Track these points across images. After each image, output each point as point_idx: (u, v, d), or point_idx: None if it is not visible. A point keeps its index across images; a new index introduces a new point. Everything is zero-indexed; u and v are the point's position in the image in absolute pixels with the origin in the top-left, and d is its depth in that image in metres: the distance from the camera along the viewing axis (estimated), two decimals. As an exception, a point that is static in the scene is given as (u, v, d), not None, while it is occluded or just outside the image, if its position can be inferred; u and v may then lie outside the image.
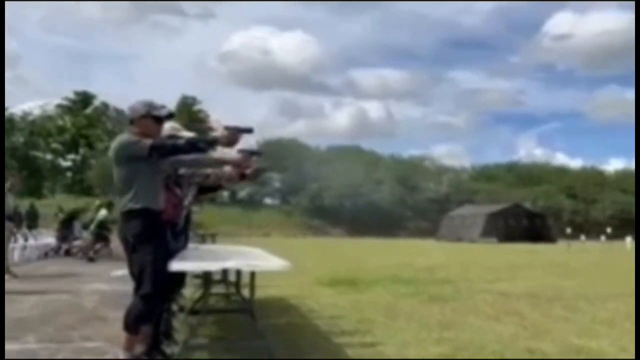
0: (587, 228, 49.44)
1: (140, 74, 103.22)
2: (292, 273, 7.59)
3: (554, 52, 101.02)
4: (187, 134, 4.05)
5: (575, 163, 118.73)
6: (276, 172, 65.85)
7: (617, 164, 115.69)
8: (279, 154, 65.96)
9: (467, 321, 5.58)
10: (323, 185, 59.74)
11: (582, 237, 27.85)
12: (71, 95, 66.96)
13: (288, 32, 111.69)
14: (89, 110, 67.29)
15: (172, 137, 4.37)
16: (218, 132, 3.75)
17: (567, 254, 20.16)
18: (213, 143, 3.77)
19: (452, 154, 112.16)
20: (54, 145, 65.84)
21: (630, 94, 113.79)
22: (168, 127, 3.98)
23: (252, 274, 4.00)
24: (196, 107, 68.92)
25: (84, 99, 67.35)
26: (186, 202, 4.45)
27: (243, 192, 69.79)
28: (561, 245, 31.56)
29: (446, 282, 8.97)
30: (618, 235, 43.47)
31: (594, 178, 70.25)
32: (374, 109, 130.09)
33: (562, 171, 72.27)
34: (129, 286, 3.68)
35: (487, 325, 5.38)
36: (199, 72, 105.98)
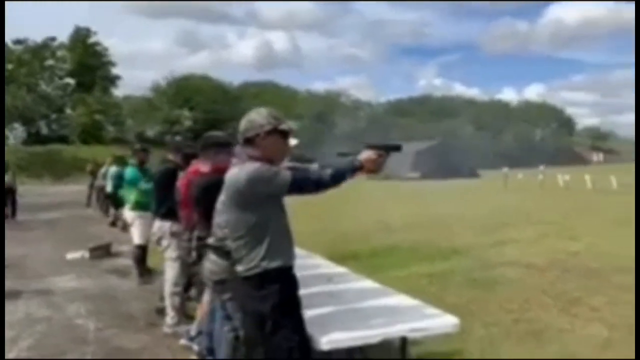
0: (496, 158, 51.95)
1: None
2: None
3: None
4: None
5: (472, 92, 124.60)
6: (187, 110, 62.65)
7: (510, 93, 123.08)
8: (189, 90, 62.56)
9: (552, 323, 5.01)
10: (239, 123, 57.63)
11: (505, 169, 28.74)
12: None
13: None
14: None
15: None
16: (364, 155, 2.75)
17: (515, 195, 20.66)
18: (359, 169, 2.76)
19: (357, 86, 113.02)
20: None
21: (522, 26, 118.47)
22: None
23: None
24: (92, 40, 62.93)
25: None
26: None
27: (151, 132, 65.63)
28: (488, 179, 32.63)
29: (455, 252, 8.43)
30: (527, 163, 46.14)
31: (499, 110, 73.79)
32: (279, 40, 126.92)
33: (471, 104, 74.99)
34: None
35: (576, 326, 4.89)
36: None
